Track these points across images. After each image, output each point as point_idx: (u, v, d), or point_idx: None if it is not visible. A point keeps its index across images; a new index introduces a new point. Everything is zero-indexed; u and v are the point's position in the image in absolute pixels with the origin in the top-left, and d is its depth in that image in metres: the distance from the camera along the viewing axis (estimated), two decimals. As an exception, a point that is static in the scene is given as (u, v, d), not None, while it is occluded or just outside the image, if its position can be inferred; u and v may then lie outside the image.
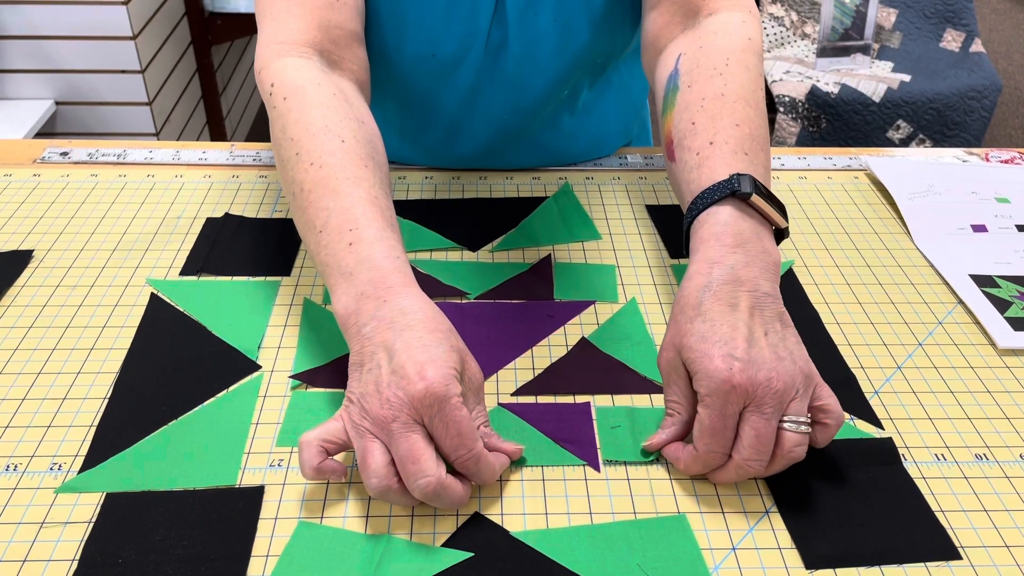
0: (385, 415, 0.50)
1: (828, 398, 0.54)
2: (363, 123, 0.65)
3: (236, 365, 0.63)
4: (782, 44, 2.44)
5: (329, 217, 0.58)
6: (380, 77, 0.80)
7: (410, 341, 0.52)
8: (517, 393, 0.62)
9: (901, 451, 0.58)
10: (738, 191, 0.57)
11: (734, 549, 0.51)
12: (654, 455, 0.57)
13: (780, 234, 0.61)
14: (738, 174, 0.58)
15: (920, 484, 0.56)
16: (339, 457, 0.55)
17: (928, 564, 0.50)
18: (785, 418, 0.52)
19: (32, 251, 0.75)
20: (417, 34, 0.76)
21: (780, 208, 0.60)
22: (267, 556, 0.50)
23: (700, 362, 0.53)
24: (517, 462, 0.56)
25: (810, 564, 0.50)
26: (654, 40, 0.74)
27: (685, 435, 0.56)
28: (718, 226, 0.57)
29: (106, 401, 0.60)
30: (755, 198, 0.58)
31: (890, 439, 0.59)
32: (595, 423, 0.60)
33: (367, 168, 0.61)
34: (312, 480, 0.54)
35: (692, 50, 0.68)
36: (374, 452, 0.50)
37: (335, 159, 0.60)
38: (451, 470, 0.52)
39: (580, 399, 0.62)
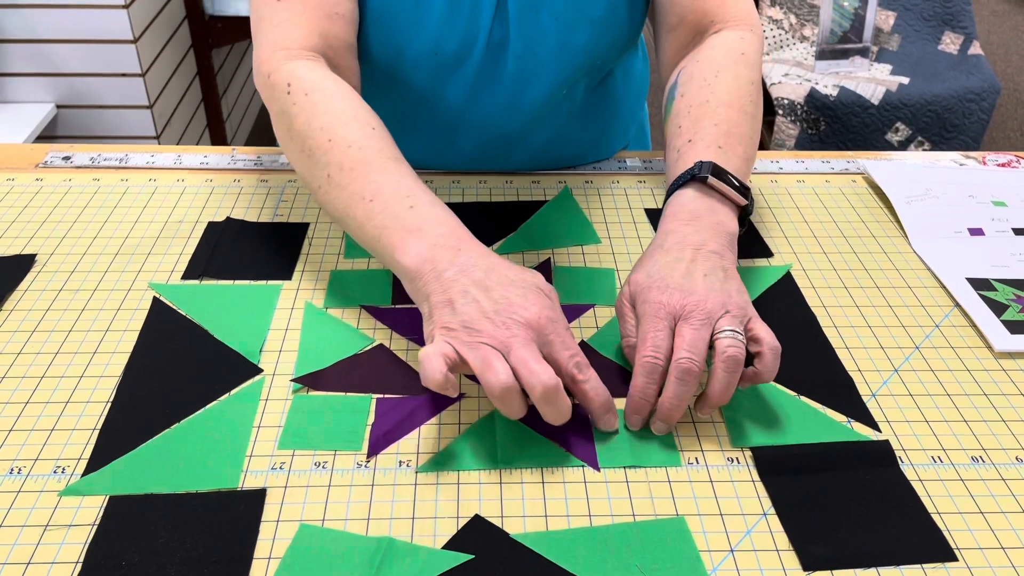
0: (503, 334, 0.54)
1: (761, 330, 0.58)
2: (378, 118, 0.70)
3: (238, 368, 0.64)
4: (781, 47, 2.44)
5: (380, 187, 0.63)
6: (381, 76, 0.81)
7: (501, 280, 0.57)
8: (517, 396, 0.62)
9: (898, 454, 0.59)
10: (697, 175, 0.66)
11: (732, 551, 0.52)
12: (646, 460, 0.57)
13: (745, 213, 0.69)
14: (700, 161, 0.67)
15: (917, 487, 0.56)
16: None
17: (924, 566, 0.51)
18: (716, 330, 0.57)
19: (35, 255, 0.75)
20: (420, 32, 0.77)
21: (742, 189, 0.67)
22: (269, 558, 0.50)
23: (641, 294, 0.61)
24: (518, 462, 0.57)
25: (807, 566, 0.51)
26: (671, 59, 0.81)
27: None
28: (677, 206, 0.66)
29: (109, 405, 0.60)
30: (711, 179, 0.66)
31: (887, 442, 0.59)
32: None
33: (400, 154, 0.66)
34: (437, 389, 0.53)
35: (690, 64, 0.76)
36: (496, 357, 0.53)
37: (372, 142, 0.65)
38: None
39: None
